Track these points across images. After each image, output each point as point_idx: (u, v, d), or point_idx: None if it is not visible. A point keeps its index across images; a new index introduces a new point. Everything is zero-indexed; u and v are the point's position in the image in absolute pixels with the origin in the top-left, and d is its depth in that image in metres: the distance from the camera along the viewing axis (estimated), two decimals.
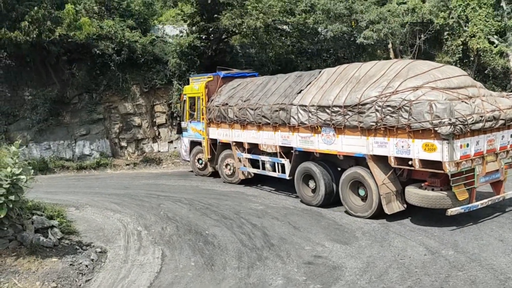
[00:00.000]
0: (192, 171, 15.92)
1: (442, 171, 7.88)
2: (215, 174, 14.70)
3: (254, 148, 12.49)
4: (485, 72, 19.31)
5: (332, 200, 10.26)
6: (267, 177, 12.62)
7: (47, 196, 10.85)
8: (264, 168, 12.26)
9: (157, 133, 19.76)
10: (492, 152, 8.59)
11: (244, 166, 12.89)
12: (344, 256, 7.22)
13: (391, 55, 21.13)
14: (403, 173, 9.04)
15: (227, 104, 13.14)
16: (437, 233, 8.00)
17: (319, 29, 19.27)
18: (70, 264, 7.02)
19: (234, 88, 13.66)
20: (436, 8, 20.70)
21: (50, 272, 6.66)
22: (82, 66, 18.70)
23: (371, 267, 6.68)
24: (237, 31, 17.78)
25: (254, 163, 12.76)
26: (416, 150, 8.16)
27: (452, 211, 7.94)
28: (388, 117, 8.49)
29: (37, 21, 15.74)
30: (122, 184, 14.72)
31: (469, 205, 8.19)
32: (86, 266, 7.12)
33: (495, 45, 20.04)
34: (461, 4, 20.43)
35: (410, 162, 8.35)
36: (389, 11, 18.40)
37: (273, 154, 11.78)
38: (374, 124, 8.76)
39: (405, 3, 21.08)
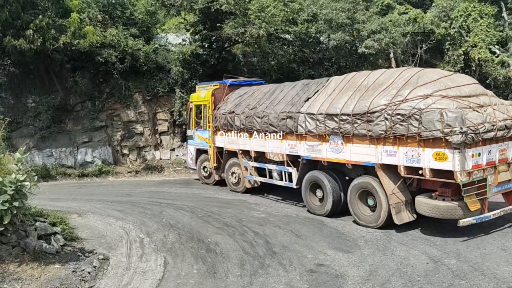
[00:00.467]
0: (198, 179, 15.88)
1: (453, 181, 7.77)
2: (221, 183, 14.59)
3: (260, 156, 12.42)
4: (487, 82, 19.39)
5: (339, 209, 10.10)
6: (271, 185, 12.55)
7: (50, 203, 10.88)
8: (271, 177, 12.20)
9: (159, 141, 19.82)
10: (504, 161, 8.47)
11: (251, 174, 12.84)
12: (347, 264, 7.21)
13: (393, 64, 21.23)
14: (413, 183, 8.89)
15: (233, 112, 13.11)
16: (440, 242, 7.99)
17: (321, 38, 19.42)
18: (73, 271, 7.03)
19: (241, 96, 13.65)
20: (438, 18, 20.87)
21: (53, 279, 6.66)
22: (85, 73, 18.82)
23: (374, 276, 6.68)
24: (239, 40, 17.90)
25: (260, 172, 12.71)
26: (427, 159, 8.04)
27: (464, 222, 7.79)
28: (397, 125, 8.40)
29: (41, 29, 15.89)
30: (124, 192, 14.74)
31: (481, 216, 8.04)
32: (89, 273, 7.11)
33: (496, 55, 20.15)
34: (462, 14, 20.60)
35: (420, 172, 8.24)
36: (390, 21, 18.55)
37: (280, 163, 11.72)
38: (383, 132, 8.67)
39: (406, 13, 21.27)
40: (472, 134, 7.54)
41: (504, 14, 21.07)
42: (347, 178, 10.19)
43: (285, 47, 19.50)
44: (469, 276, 6.38)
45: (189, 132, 15.80)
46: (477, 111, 7.97)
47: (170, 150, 19.78)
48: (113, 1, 19.90)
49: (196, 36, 18.67)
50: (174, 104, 18.95)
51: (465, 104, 8.08)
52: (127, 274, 7.21)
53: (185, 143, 16.60)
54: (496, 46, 20.46)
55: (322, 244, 8.29)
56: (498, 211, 8.32)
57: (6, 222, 6.76)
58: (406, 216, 8.72)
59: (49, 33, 16.05)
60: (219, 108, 14.02)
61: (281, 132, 11.23)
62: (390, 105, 8.57)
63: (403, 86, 8.71)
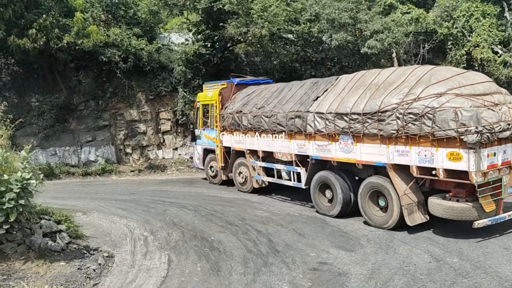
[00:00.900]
0: (205, 179, 15.81)
1: (468, 182, 7.59)
2: (228, 183, 14.51)
3: (268, 156, 12.29)
4: None
5: (349, 210, 9.93)
6: (279, 186, 12.47)
7: (54, 201, 10.96)
8: (279, 177, 12.06)
9: (161, 140, 19.89)
10: None
11: (258, 174, 12.71)
12: (349, 263, 7.26)
13: (395, 64, 21.26)
14: (426, 183, 8.68)
15: (241, 111, 12.99)
16: (442, 241, 8.03)
17: (324, 38, 19.46)
18: (78, 268, 7.10)
19: (249, 95, 13.52)
20: (440, 18, 20.89)
21: (58, 276, 6.73)
22: (88, 73, 18.92)
23: (377, 274, 6.72)
24: (242, 40, 17.96)
25: (268, 172, 12.58)
26: (440, 159, 7.85)
27: (479, 223, 7.63)
28: (410, 125, 8.21)
29: (45, 29, 15.97)
30: (127, 190, 14.81)
31: (496, 217, 7.90)
32: (94, 270, 7.18)
33: (499, 55, 20.15)
34: (465, 14, 20.61)
35: (433, 172, 8.06)
36: (393, 20, 18.58)
37: (288, 163, 11.55)
38: (395, 132, 8.49)
39: (409, 13, 21.29)
40: (487, 134, 7.36)
41: (507, 14, 21.05)
42: (356, 178, 10.05)
43: (288, 46, 19.56)
44: (471, 274, 6.42)
45: (196, 132, 15.74)
46: (492, 109, 7.75)
47: (173, 149, 19.84)
48: (117, 1, 19.98)
49: (199, 36, 18.73)
50: (177, 103, 19.02)
51: (480, 102, 7.85)
52: (132, 272, 7.27)
53: (192, 142, 16.52)
54: (499, 46, 20.47)
55: (325, 243, 8.34)
56: None
57: (12, 220, 6.83)
58: (418, 217, 8.54)
59: (53, 33, 16.13)
60: (226, 107, 13.92)
61: (290, 131, 11.06)
62: (402, 104, 8.38)
63: (416, 85, 8.51)
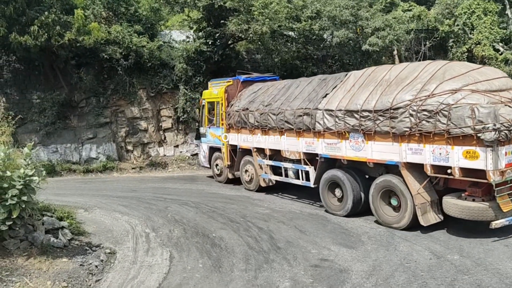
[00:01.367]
0: (211, 177, 15.70)
1: (485, 181, 7.36)
2: (234, 181, 14.32)
3: (276, 154, 12.08)
4: None
5: (359, 209, 9.75)
6: (285, 184, 12.30)
7: (56, 198, 10.99)
8: (287, 176, 11.82)
9: (163, 137, 19.92)
10: None
11: (265, 173, 12.50)
12: (350, 259, 7.29)
13: (396, 61, 21.24)
14: (439, 182, 8.41)
15: (247, 109, 12.80)
16: (443, 238, 8.05)
17: (325, 36, 19.44)
18: (80, 265, 7.13)
19: (255, 92, 13.31)
20: (441, 15, 20.87)
21: (60, 272, 6.76)
22: (90, 70, 18.95)
23: (377, 271, 6.75)
24: (243, 37, 17.97)
25: (275, 170, 12.38)
26: (456, 157, 7.60)
27: (496, 223, 7.44)
28: (424, 122, 7.96)
29: (46, 26, 15.99)
30: (129, 187, 14.85)
31: None
32: (96, 266, 7.22)
33: (500, 52, 20.13)
34: (466, 12, 20.58)
35: (449, 171, 7.80)
36: (394, 18, 18.55)
37: (296, 161, 11.33)
38: (408, 129, 8.24)
39: (410, 10, 21.26)
40: (505, 131, 7.11)
41: (508, 11, 21.03)
42: (367, 177, 9.84)
43: (289, 44, 19.57)
44: (472, 271, 6.44)
45: (201, 130, 15.59)
46: (509, 106, 7.48)
47: (174, 146, 19.89)
48: None
49: (200, 33, 18.73)
50: (178, 100, 19.04)
51: (497, 99, 7.57)
52: (134, 268, 7.31)
53: (197, 140, 16.45)
54: (500, 44, 20.44)
55: (326, 240, 8.37)
56: None
57: (14, 216, 6.86)
58: (432, 217, 8.32)
59: (54, 30, 16.15)
60: (232, 105, 13.72)
61: (298, 129, 10.82)
62: (416, 101, 8.12)
63: (429, 81, 8.24)
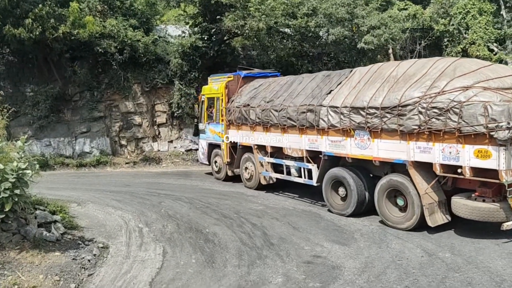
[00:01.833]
0: (210, 174, 15.47)
1: (496, 181, 7.17)
2: (233, 178, 13.99)
3: (277, 152, 11.82)
4: None
5: (364, 209, 9.56)
6: (286, 182, 12.09)
7: (49, 192, 10.95)
8: (288, 174, 11.54)
9: (157, 133, 19.86)
10: None
11: (266, 170, 12.26)
12: (343, 256, 7.33)
13: (391, 60, 21.33)
14: (447, 182, 8.22)
15: (248, 105, 12.52)
16: (434, 236, 8.11)
17: (321, 33, 19.45)
18: (73, 259, 7.11)
19: (256, 88, 13.05)
20: (437, 15, 20.98)
21: (53, 266, 6.75)
22: (84, 64, 18.83)
23: (369, 268, 6.80)
24: (239, 33, 17.92)
25: (276, 168, 12.13)
26: (467, 156, 7.40)
27: (508, 225, 7.25)
28: (433, 120, 7.75)
29: (41, 19, 15.85)
30: (122, 182, 14.81)
31: None
32: (89, 260, 7.21)
33: (494, 52, 20.28)
34: (461, 12, 20.69)
35: (459, 170, 7.60)
36: (390, 16, 18.62)
37: (299, 159, 11.08)
38: (416, 127, 8.03)
39: (406, 9, 21.35)
40: None
41: (503, 11, 21.17)
42: (371, 175, 9.65)
43: (285, 41, 19.55)
44: (463, 269, 6.51)
45: (200, 126, 15.34)
46: None
47: (168, 142, 19.84)
48: None
49: (196, 28, 18.66)
50: (173, 96, 18.97)
51: (509, 96, 7.36)
52: (127, 263, 7.31)
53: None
54: (494, 44, 20.59)
55: (319, 237, 8.41)
56: None
57: (7, 210, 6.82)
58: (440, 218, 8.14)
59: (49, 23, 16.02)
60: (233, 101, 13.46)
61: (301, 126, 10.59)
62: (425, 98, 7.90)
63: (439, 77, 8.02)
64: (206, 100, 14.78)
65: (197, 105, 16.14)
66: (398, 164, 8.65)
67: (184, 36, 19.20)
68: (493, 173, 7.18)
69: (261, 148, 12.36)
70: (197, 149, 19.51)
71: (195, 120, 16.47)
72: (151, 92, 19.64)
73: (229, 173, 14.09)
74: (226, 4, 16.83)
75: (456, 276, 6.27)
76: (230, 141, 13.65)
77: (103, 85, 19.06)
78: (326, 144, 10.07)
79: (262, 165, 12.38)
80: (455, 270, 6.47)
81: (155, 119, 19.80)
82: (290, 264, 7.08)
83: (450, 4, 20.89)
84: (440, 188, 8.28)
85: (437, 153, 7.87)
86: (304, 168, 10.95)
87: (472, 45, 20.11)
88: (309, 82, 11.29)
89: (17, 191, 6.84)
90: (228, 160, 13.86)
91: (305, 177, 10.98)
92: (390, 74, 9.05)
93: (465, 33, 20.71)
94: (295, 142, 10.96)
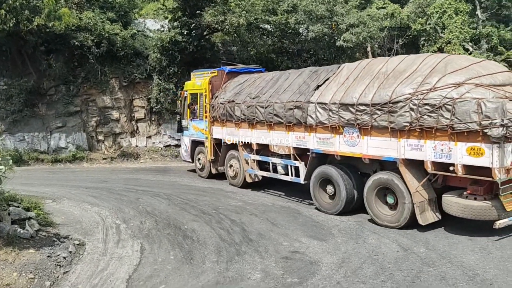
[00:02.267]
0: (193, 171, 15.13)
1: (489, 179, 7.09)
2: (218, 176, 13.63)
3: (263, 149, 11.56)
4: None
5: (352, 207, 9.43)
6: (271, 180, 11.90)
7: (23, 188, 10.70)
8: (275, 171, 11.32)
9: (135, 128, 19.62)
10: None
11: (252, 168, 11.98)
12: (321, 252, 7.41)
13: (370, 58, 21.61)
14: (438, 180, 8.12)
15: (233, 101, 12.20)
16: (410, 232, 8.25)
17: (300, 30, 19.54)
18: (48, 256, 6.98)
19: (241, 84, 12.72)
20: (414, 14, 21.33)
21: (27, 263, 6.60)
22: (59, 57, 18.41)
23: (347, 263, 6.89)
24: (219, 28, 17.83)
25: (262, 166, 11.89)
26: (459, 154, 7.28)
27: (500, 223, 7.18)
28: (425, 116, 7.61)
29: (14, 10, 15.38)
30: (99, 178, 14.58)
31: None
32: (64, 258, 7.08)
33: (469, 52, 20.74)
34: (438, 11, 21.08)
35: (451, 168, 7.49)
36: (368, 15, 18.85)
37: (286, 156, 10.86)
38: (408, 124, 7.88)
39: (384, 8, 21.62)
40: None
41: (478, 12, 21.68)
42: (359, 173, 9.51)
43: (265, 37, 19.57)
44: (437, 263, 6.66)
45: (183, 123, 14.92)
46: None
47: (147, 137, 19.62)
48: None
49: (175, 23, 18.45)
50: (152, 91, 18.75)
51: (501, 93, 7.29)
52: (103, 260, 7.21)
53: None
54: (470, 43, 21.07)
55: (297, 232, 8.47)
56: None
57: None
58: (430, 216, 8.05)
59: (23, 14, 15.56)
60: (217, 97, 13.12)
61: (288, 123, 10.36)
62: (417, 94, 7.74)
63: (430, 74, 7.90)
64: (189, 96, 14.45)
65: (179, 101, 15.78)
66: (388, 162, 8.53)
67: (163, 31, 18.98)
68: (486, 171, 7.10)
69: (247, 145, 12.09)
70: (176, 145, 19.41)
71: (178, 117, 16.05)
72: (129, 87, 19.36)
73: (213, 171, 13.77)
74: None
75: (431, 270, 6.42)
76: (214, 138, 13.39)
77: (79, 79, 18.68)
78: (314, 141, 9.88)
79: (247, 162, 12.12)
80: (429, 265, 6.62)
81: (133, 114, 19.54)
82: (268, 260, 7.11)
83: (427, 3, 21.26)
84: (431, 186, 8.19)
85: (428, 151, 7.76)
86: (291, 166, 10.74)
87: (448, 45, 20.52)
88: (295, 78, 11.09)
89: None
90: (212, 157, 13.58)
91: (292, 175, 10.78)
92: (380, 70, 8.90)
93: (442, 32, 21.12)
94: (282, 139, 10.73)
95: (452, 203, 7.65)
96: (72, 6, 18.19)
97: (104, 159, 18.26)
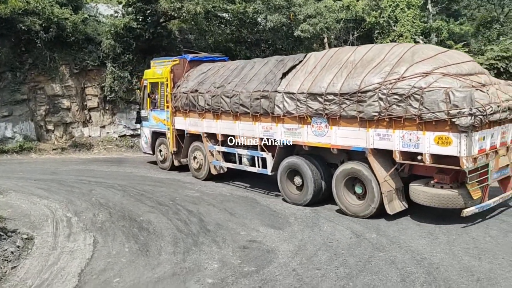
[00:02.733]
0: (154, 163, 14.66)
1: (456, 167, 7.14)
2: (181, 169, 13.30)
3: (229, 140, 11.30)
4: None
5: (320, 198, 9.38)
6: (237, 172, 11.76)
7: None
8: (241, 163, 11.09)
9: (88, 117, 18.92)
10: (503, 145, 7.96)
11: (217, 160, 11.69)
12: (278, 240, 7.50)
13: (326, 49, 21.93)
14: (405, 169, 8.15)
15: (197, 90, 11.79)
16: (362, 219, 8.53)
17: (259, 19, 19.49)
18: None
19: (204, 73, 12.33)
20: (369, 7, 21.81)
21: None
22: (5, 42, 17.33)
23: (302, 250, 7.02)
24: (176, 15, 17.44)
25: (228, 157, 11.62)
26: (427, 143, 7.32)
27: (468, 211, 7.32)
28: (394, 106, 7.58)
29: None
30: (49, 169, 13.99)
31: (483, 204, 7.63)
32: (12, 252, 6.75)
33: None
34: (391, 5, 21.63)
35: (419, 157, 7.54)
36: (325, 6, 19.05)
37: (252, 147, 10.65)
38: (376, 114, 7.84)
39: (340, 0, 21.95)
40: (480, 116, 6.86)
41: (429, 6, 22.48)
42: (328, 163, 9.43)
43: (223, 26, 19.34)
44: (387, 248, 6.93)
45: (143, 113, 14.29)
46: (481, 90, 7.27)
47: (100, 127, 18.99)
48: None
49: (130, 9, 17.84)
50: (105, 79, 18.13)
51: (468, 83, 7.36)
52: (54, 254, 6.94)
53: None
54: (420, 37, 21.81)
55: (255, 222, 8.52)
56: (497, 198, 7.96)
57: None
58: (398, 205, 8.12)
59: None
60: (179, 86, 12.64)
61: (255, 113, 10.14)
62: (385, 84, 7.72)
63: (398, 63, 7.90)
64: (149, 85, 13.82)
65: (138, 91, 15.10)
66: (356, 152, 8.51)
67: (117, 16, 18.36)
68: (454, 159, 7.17)
69: (211, 136, 11.79)
70: (132, 135, 18.95)
71: (137, 107, 15.41)
72: (81, 75, 18.59)
73: (176, 163, 13.38)
74: None
75: (381, 255, 6.67)
76: (177, 129, 12.97)
77: (26, 66, 17.71)
78: (281, 132, 9.74)
79: (212, 154, 11.82)
80: (380, 250, 6.87)
81: (85, 103, 18.81)
82: (226, 250, 7.12)
83: None
84: (398, 175, 8.23)
85: (397, 140, 7.76)
86: (258, 157, 10.54)
87: (400, 38, 21.15)
88: (261, 67, 10.85)
89: None
90: (175, 149, 13.15)
91: (259, 166, 10.58)
92: (348, 59, 8.80)
93: (394, 25, 21.75)
94: (249, 130, 10.53)
95: (420, 192, 7.72)
96: None
97: (54, 149, 17.51)
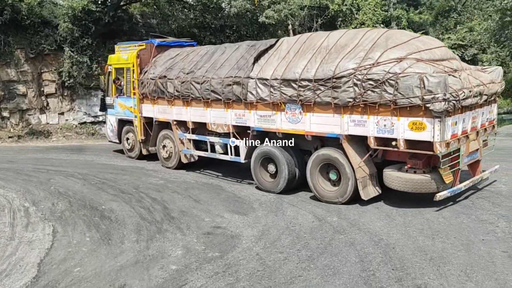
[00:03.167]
0: (120, 151, 14.15)
1: (431, 152, 7.22)
2: (150, 157, 12.91)
3: (200, 127, 10.98)
4: None
5: (294, 185, 9.31)
6: (208, 161, 11.52)
7: None
8: (213, 151, 10.83)
9: (45, 104, 18.25)
10: (474, 130, 8.08)
11: (188, 148, 11.36)
12: (242, 226, 7.58)
13: (291, 36, 22.02)
14: (378, 154, 8.18)
15: (165, 76, 11.36)
16: (324, 203, 8.74)
17: (223, 5, 19.30)
18: None
19: (173, 58, 11.89)
20: None
21: None
22: None
23: (266, 235, 7.14)
24: None
25: (199, 145, 11.34)
26: (402, 129, 7.35)
27: (440, 196, 7.42)
28: (369, 92, 7.53)
29: None
30: (4, 158, 13.45)
31: (454, 188, 7.76)
32: None
33: None
34: None
35: (393, 143, 7.57)
36: None
37: (224, 135, 10.38)
38: (351, 100, 7.76)
39: None
40: (454, 101, 6.93)
41: None
42: (302, 150, 9.34)
43: (186, 10, 19.05)
44: (347, 231, 7.15)
45: (108, 100, 13.64)
46: (454, 76, 7.31)
47: (59, 114, 18.38)
48: None
49: None
50: (63, 64, 17.49)
51: (440, 68, 7.44)
52: (11, 244, 6.74)
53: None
54: (381, 25, 22.31)
55: (220, 208, 8.56)
56: (467, 182, 8.12)
57: None
58: (372, 191, 8.16)
59: None
60: (146, 72, 12.16)
61: (227, 100, 9.86)
62: (360, 69, 7.65)
63: (372, 48, 7.87)
64: (114, 71, 13.22)
65: (102, 77, 14.43)
66: (331, 138, 8.45)
67: None
68: (427, 145, 7.23)
69: (181, 124, 11.41)
70: (92, 122, 18.45)
71: (102, 94, 14.74)
72: (37, 59, 17.86)
73: (144, 152, 12.91)
74: None
75: (341, 237, 6.88)
76: (145, 117, 12.52)
77: None
78: (254, 119, 9.51)
79: (182, 142, 11.48)
80: (340, 233, 7.09)
81: (42, 89, 18.12)
82: (190, 236, 7.13)
83: None
84: (371, 161, 8.27)
85: (371, 126, 7.74)
86: (230, 145, 10.29)
87: (362, 25, 21.57)
88: (233, 52, 10.53)
89: None
90: (143, 137, 12.71)
91: (231, 154, 10.35)
92: (322, 45, 8.66)
93: (357, 13, 22.12)
94: (220, 117, 10.23)
95: (394, 177, 7.76)
96: None
97: (10, 137, 16.82)
